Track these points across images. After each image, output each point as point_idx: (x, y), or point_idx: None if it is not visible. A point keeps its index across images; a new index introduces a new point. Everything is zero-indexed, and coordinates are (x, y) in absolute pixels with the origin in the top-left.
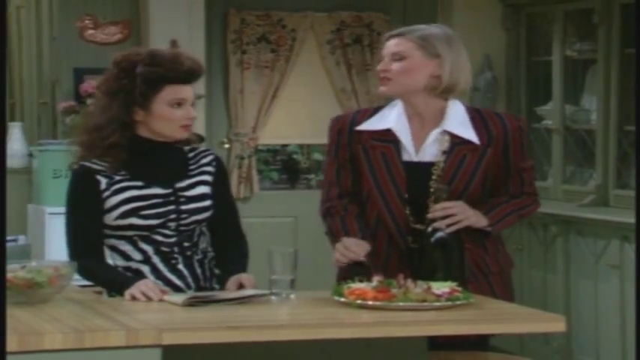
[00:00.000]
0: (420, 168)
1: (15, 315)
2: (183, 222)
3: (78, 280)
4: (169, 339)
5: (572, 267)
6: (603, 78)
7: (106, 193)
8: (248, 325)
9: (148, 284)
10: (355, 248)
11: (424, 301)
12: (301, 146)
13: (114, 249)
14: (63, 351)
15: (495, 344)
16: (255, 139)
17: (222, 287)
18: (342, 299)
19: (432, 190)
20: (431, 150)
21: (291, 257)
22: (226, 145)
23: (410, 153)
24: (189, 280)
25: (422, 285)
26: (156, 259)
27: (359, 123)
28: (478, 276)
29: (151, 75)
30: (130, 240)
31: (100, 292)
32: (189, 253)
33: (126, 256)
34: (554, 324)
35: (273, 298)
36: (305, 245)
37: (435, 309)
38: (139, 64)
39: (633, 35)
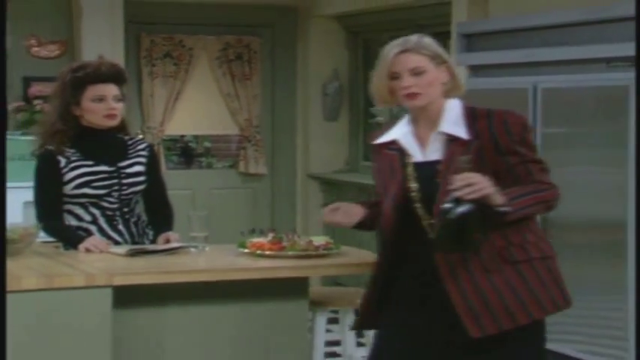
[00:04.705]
0: (429, 166)
1: None
2: (124, 192)
3: (41, 238)
4: (119, 281)
5: None
6: None
7: (65, 170)
8: (177, 270)
9: (96, 239)
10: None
11: (307, 250)
12: (196, 137)
13: (70, 212)
14: (37, 291)
15: None
16: (163, 131)
17: (153, 243)
18: (245, 250)
19: (438, 182)
20: (434, 148)
21: (205, 219)
22: (141, 136)
23: (417, 155)
24: (127, 236)
25: (305, 239)
26: (102, 221)
27: (377, 138)
28: (503, 265)
29: (76, 80)
30: (83, 205)
31: (57, 247)
32: (127, 216)
33: (79, 218)
34: None
35: (192, 250)
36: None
37: (314, 256)
38: (69, 73)
39: None
